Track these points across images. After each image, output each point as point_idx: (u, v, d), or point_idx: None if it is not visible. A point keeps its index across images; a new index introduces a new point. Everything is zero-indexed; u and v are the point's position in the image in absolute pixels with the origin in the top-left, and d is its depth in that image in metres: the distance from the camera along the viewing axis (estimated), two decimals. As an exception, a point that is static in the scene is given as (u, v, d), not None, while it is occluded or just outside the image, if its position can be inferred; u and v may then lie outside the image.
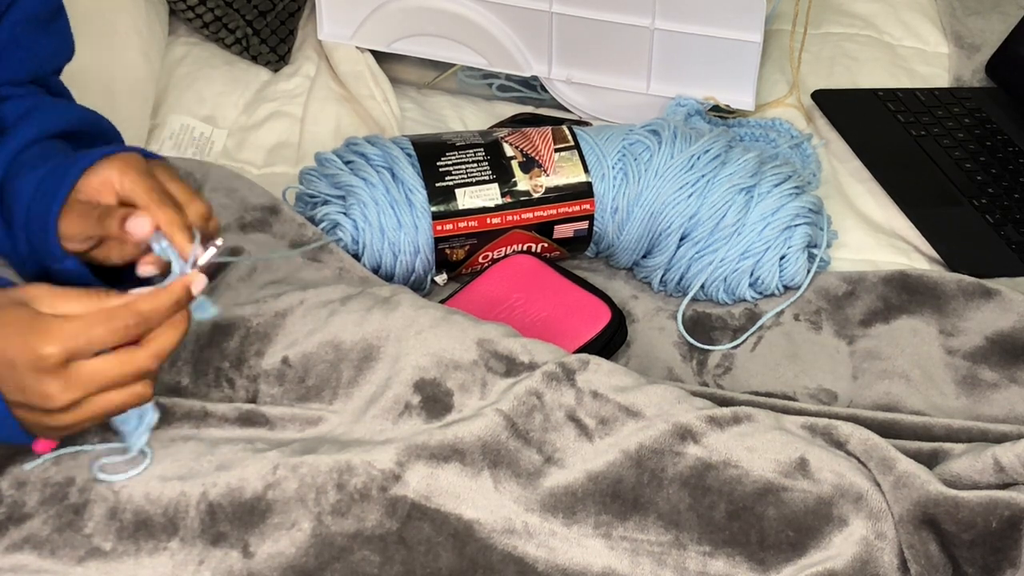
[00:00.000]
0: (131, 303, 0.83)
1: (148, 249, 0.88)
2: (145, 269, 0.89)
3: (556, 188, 1.21)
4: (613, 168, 1.22)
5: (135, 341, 0.84)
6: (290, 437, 0.95)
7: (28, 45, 1.01)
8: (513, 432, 0.93)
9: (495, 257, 1.21)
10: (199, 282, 0.86)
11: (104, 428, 0.93)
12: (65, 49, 1.06)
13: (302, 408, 0.98)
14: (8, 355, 0.80)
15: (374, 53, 1.48)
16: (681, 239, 1.21)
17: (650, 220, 1.21)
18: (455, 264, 1.21)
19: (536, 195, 1.20)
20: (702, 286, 1.21)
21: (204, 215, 0.91)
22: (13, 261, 0.97)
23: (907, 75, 1.57)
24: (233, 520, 0.89)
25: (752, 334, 1.19)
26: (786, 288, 1.22)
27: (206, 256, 0.87)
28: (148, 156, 0.94)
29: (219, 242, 0.88)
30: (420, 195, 1.17)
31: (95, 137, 1.03)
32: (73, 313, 0.82)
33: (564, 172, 1.21)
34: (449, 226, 1.18)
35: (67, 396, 0.82)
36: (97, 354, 0.82)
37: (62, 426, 0.84)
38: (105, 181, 0.91)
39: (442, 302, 1.16)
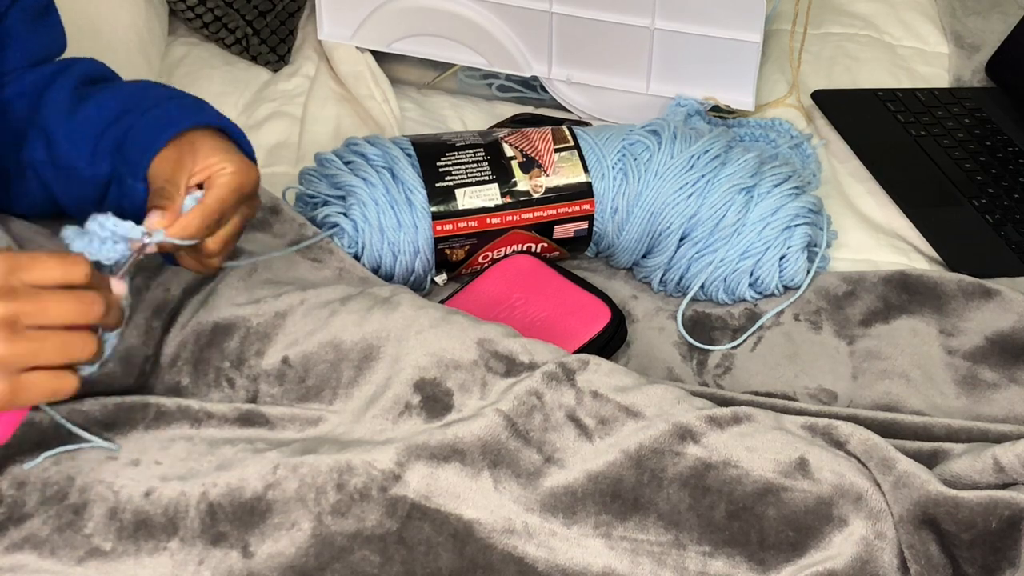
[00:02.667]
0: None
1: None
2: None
3: (556, 188, 1.21)
4: (613, 168, 1.22)
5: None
6: (290, 437, 0.96)
7: (25, 37, 1.02)
8: (513, 432, 0.93)
9: (495, 257, 1.21)
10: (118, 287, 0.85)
11: (104, 429, 0.93)
12: (59, 42, 1.07)
13: (302, 408, 0.98)
14: None
15: (374, 53, 1.48)
16: (681, 239, 1.21)
17: (650, 220, 1.21)
18: (455, 264, 1.21)
19: (536, 195, 1.20)
20: (702, 286, 1.21)
21: (218, 250, 0.92)
22: (48, 171, 0.97)
23: (907, 75, 1.57)
24: (233, 520, 0.89)
25: (752, 334, 1.19)
26: (786, 288, 1.22)
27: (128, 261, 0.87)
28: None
29: (156, 238, 0.88)
30: (420, 195, 1.17)
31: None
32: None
33: (564, 172, 1.21)
34: (449, 226, 1.18)
35: (6, 308, 0.76)
36: None
37: None
38: (217, 166, 0.92)
39: (442, 302, 1.16)
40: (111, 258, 0.86)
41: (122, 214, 0.86)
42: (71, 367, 0.80)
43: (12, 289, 0.76)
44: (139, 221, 0.88)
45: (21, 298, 0.76)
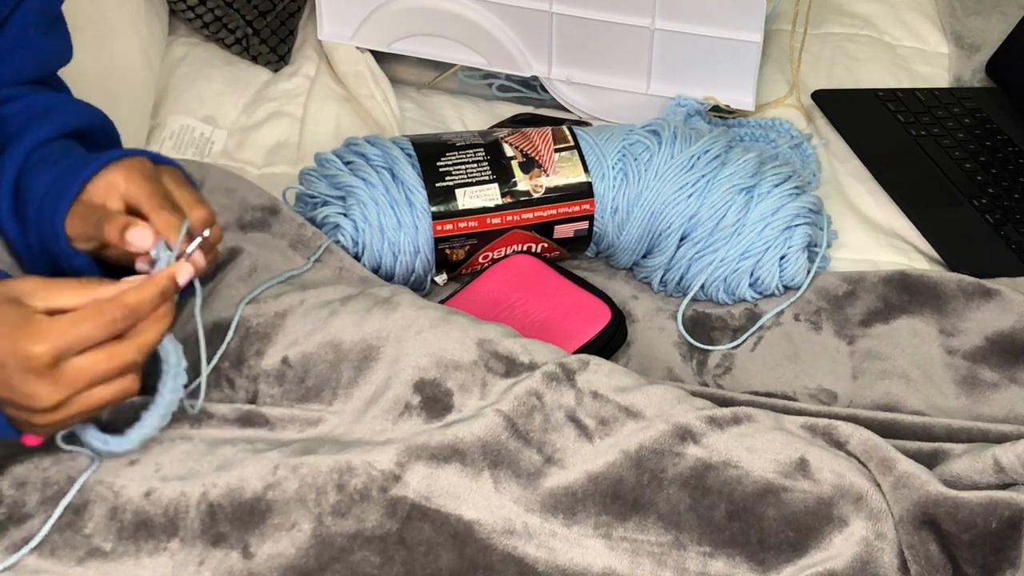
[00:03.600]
0: (118, 296, 0.83)
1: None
2: (141, 266, 0.90)
3: (556, 188, 1.21)
4: (613, 168, 1.22)
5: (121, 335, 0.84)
6: (290, 437, 0.95)
7: (33, 45, 1.02)
8: (513, 432, 0.93)
9: (495, 257, 1.21)
10: (184, 271, 0.87)
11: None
12: (66, 51, 1.07)
13: (302, 409, 0.98)
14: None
15: (374, 53, 1.48)
16: (681, 239, 1.21)
17: (650, 220, 1.21)
18: (455, 264, 1.21)
19: (536, 195, 1.20)
20: (702, 286, 1.21)
21: (206, 220, 0.92)
22: (25, 257, 0.97)
23: (907, 75, 1.57)
24: (233, 520, 0.89)
25: (752, 334, 1.19)
26: (786, 288, 1.22)
27: (192, 246, 0.88)
28: (158, 161, 0.95)
29: (206, 233, 0.89)
30: (420, 195, 1.17)
31: (101, 137, 1.04)
32: (65, 306, 0.82)
33: (564, 172, 1.21)
34: (449, 226, 1.18)
35: (54, 397, 0.82)
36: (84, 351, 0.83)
37: (48, 424, 0.84)
38: (111, 184, 0.91)
39: (442, 302, 1.16)
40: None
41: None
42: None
43: (60, 374, 0.81)
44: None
45: (68, 379, 0.82)
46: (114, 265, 0.94)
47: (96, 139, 1.03)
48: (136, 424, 0.89)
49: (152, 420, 0.89)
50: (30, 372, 0.81)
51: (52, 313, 0.82)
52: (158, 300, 0.85)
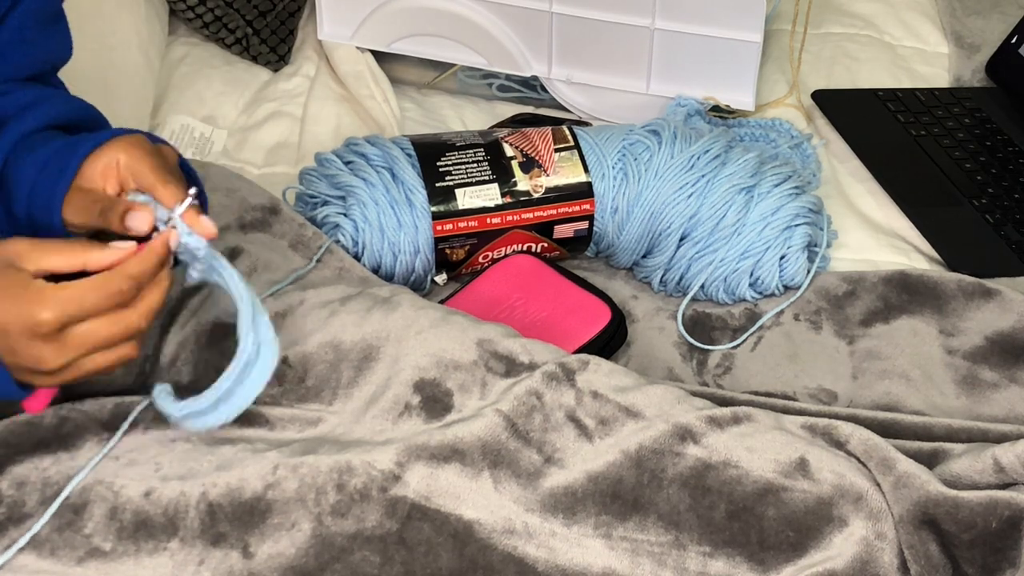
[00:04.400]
0: (120, 269, 0.84)
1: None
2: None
3: (556, 188, 1.21)
4: (613, 168, 1.22)
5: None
6: (290, 437, 0.95)
7: (32, 42, 1.02)
8: (513, 432, 0.93)
9: (495, 257, 1.21)
10: (174, 236, 0.87)
11: (104, 428, 0.93)
12: (65, 49, 1.07)
13: (302, 408, 0.98)
14: (1, 320, 0.81)
15: (374, 53, 1.48)
16: (681, 239, 1.21)
17: (650, 220, 1.21)
18: (455, 264, 1.21)
19: (536, 195, 1.20)
20: (702, 286, 1.21)
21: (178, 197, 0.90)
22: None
23: (907, 75, 1.57)
24: (233, 520, 0.89)
25: (752, 334, 1.19)
26: (786, 288, 1.22)
27: (182, 207, 0.88)
28: (153, 140, 0.95)
29: (192, 191, 0.88)
30: (420, 195, 1.17)
31: (92, 130, 1.03)
32: (56, 269, 0.83)
33: (564, 172, 1.21)
34: (449, 226, 1.18)
35: (59, 360, 0.82)
36: None
37: (50, 384, 0.85)
38: (108, 165, 0.90)
39: (442, 302, 1.16)
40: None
41: None
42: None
43: (66, 339, 0.82)
44: None
45: (73, 344, 0.82)
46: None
47: (89, 132, 1.02)
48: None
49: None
50: (36, 337, 0.81)
51: (45, 277, 0.82)
52: (158, 268, 0.85)
